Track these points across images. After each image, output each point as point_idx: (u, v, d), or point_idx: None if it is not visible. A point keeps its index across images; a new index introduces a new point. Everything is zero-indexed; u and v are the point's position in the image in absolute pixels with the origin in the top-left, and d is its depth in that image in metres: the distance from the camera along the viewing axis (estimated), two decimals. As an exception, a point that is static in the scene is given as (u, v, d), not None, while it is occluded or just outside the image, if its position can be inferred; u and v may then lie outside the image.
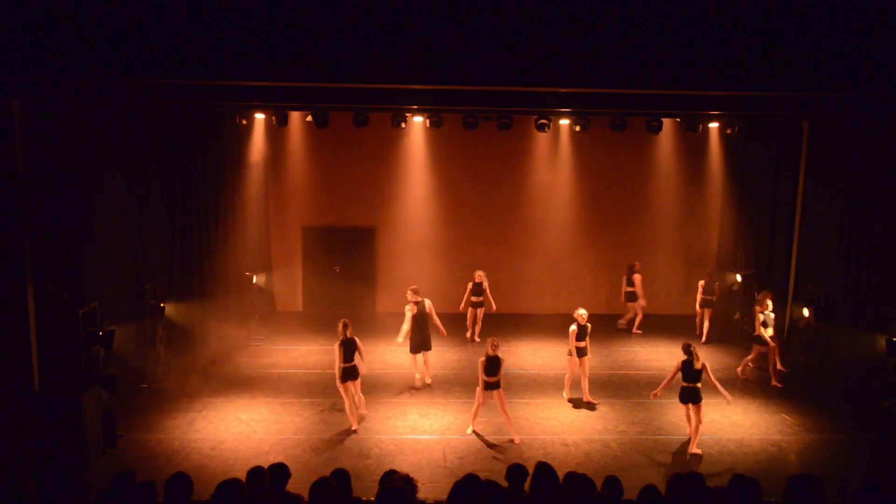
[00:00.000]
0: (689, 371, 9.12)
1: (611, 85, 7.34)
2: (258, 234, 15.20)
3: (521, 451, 9.05)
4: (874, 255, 10.55)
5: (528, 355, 12.49)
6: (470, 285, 13.56)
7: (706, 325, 14.19)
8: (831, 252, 11.58)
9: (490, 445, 9.32)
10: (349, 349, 9.60)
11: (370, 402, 10.58)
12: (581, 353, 10.75)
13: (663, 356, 13.16)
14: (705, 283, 14.15)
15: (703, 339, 14.11)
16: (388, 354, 12.45)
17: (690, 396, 9.12)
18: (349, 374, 9.60)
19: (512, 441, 9.35)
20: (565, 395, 11.00)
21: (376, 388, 11.28)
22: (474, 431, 9.64)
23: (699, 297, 14.19)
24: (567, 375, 10.96)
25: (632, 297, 14.77)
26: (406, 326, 11.23)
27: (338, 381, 9.59)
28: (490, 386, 9.38)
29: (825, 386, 11.46)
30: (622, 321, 15.10)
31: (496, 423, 9.93)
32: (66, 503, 4.96)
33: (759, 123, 13.40)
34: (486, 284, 13.54)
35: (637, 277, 14.72)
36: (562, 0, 6.73)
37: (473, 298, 13.62)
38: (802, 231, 12.75)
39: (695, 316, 14.56)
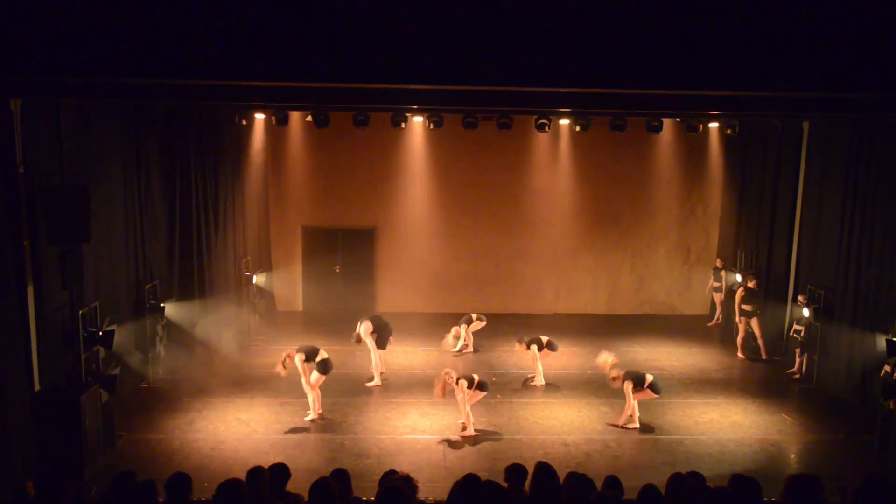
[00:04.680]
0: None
1: (611, 85, 7.34)
2: (258, 234, 15.20)
3: (521, 451, 9.05)
4: (874, 255, 10.54)
5: (528, 355, 12.46)
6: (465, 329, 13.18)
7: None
8: (831, 252, 11.58)
9: (490, 445, 9.32)
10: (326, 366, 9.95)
11: (370, 402, 10.61)
12: None
13: (663, 356, 13.17)
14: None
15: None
16: (389, 355, 12.41)
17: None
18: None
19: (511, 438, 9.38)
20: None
21: (376, 388, 11.30)
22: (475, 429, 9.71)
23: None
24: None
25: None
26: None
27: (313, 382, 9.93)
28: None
29: (825, 386, 11.47)
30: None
31: (496, 424, 9.94)
32: (66, 503, 4.96)
33: (759, 123, 13.41)
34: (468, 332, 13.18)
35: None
36: (562, 0, 6.73)
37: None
38: (802, 231, 12.74)
39: (694, 315, 14.69)
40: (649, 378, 9.79)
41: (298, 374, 9.93)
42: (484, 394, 9.68)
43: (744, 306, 12.98)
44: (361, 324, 11.55)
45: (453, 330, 12.97)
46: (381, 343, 11.60)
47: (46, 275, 8.23)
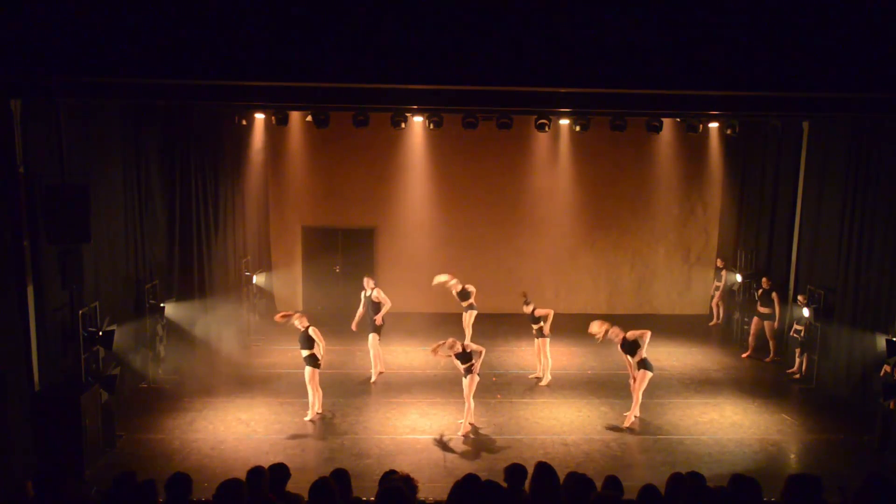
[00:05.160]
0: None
1: (611, 85, 7.34)
2: (258, 234, 15.20)
3: (521, 451, 9.05)
4: (874, 255, 10.54)
5: (528, 355, 12.47)
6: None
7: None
8: (831, 252, 11.58)
9: (490, 445, 9.33)
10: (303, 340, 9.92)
11: (370, 402, 10.59)
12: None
13: (663, 356, 13.15)
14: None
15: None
16: (389, 354, 12.44)
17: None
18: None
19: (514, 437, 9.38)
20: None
21: (376, 388, 11.30)
22: (473, 426, 9.69)
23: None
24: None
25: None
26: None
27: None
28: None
29: (825, 386, 11.46)
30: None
31: (496, 424, 9.94)
32: (66, 503, 4.96)
33: (759, 123, 13.40)
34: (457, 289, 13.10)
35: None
36: (561, 1, 6.74)
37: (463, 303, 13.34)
38: (802, 231, 12.74)
39: (694, 315, 14.54)
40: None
41: (298, 375, 9.91)
42: (478, 379, 9.68)
43: (761, 308, 12.88)
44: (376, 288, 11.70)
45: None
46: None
47: (46, 275, 8.23)
